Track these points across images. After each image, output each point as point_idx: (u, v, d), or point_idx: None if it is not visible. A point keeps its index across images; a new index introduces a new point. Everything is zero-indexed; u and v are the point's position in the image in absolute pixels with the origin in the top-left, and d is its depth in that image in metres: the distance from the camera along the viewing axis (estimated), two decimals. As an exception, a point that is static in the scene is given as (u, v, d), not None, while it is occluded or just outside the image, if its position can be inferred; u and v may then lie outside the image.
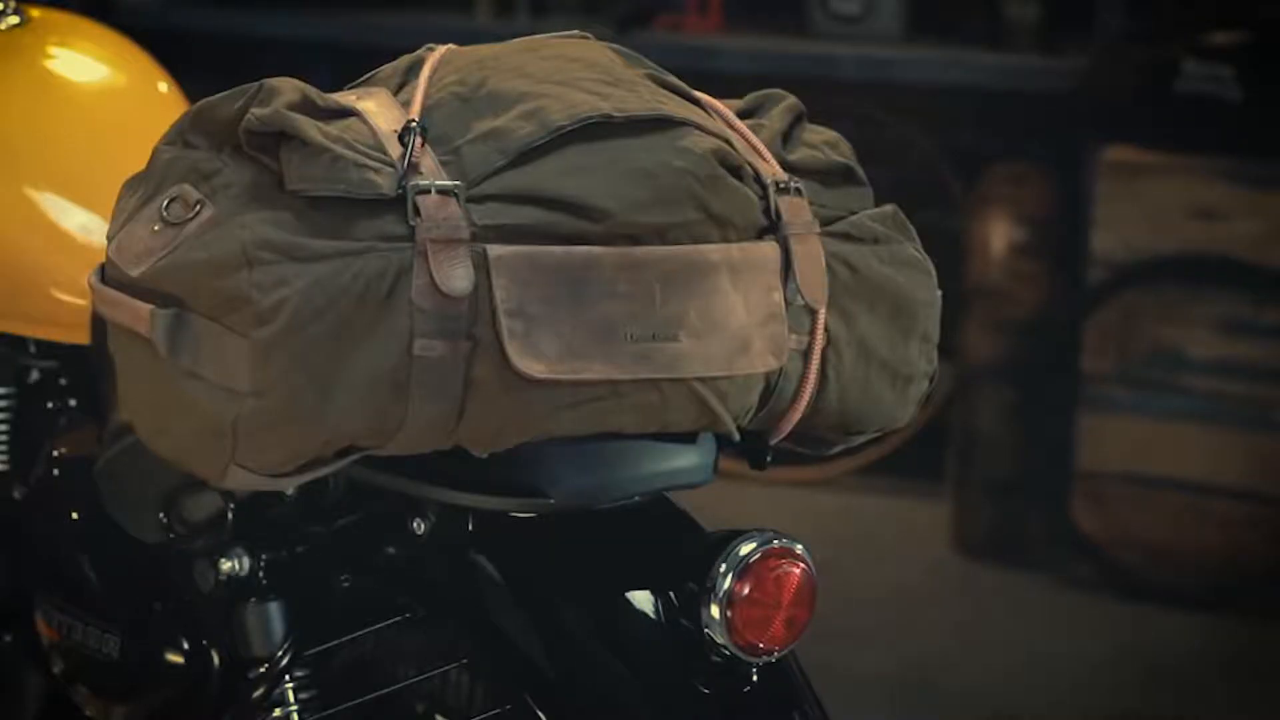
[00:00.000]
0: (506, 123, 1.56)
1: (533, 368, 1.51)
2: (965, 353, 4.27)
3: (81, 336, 2.06)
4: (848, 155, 1.72)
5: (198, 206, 1.55)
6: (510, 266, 1.52)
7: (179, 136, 1.62)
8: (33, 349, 2.17)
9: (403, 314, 1.50)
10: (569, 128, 1.56)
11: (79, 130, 2.17)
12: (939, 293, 1.72)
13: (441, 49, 1.67)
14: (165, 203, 1.57)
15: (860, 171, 1.71)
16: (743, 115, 1.71)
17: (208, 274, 1.51)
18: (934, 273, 1.72)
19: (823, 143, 1.71)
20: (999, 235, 4.21)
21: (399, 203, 1.52)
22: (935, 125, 4.62)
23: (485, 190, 1.54)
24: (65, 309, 2.07)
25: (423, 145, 1.55)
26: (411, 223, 1.51)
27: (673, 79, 1.70)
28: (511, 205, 1.54)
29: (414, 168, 1.53)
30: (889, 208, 1.71)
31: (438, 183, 1.52)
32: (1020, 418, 4.22)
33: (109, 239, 1.62)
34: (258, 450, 1.54)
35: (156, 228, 1.56)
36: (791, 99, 1.74)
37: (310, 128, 1.53)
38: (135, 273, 1.56)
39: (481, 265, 1.51)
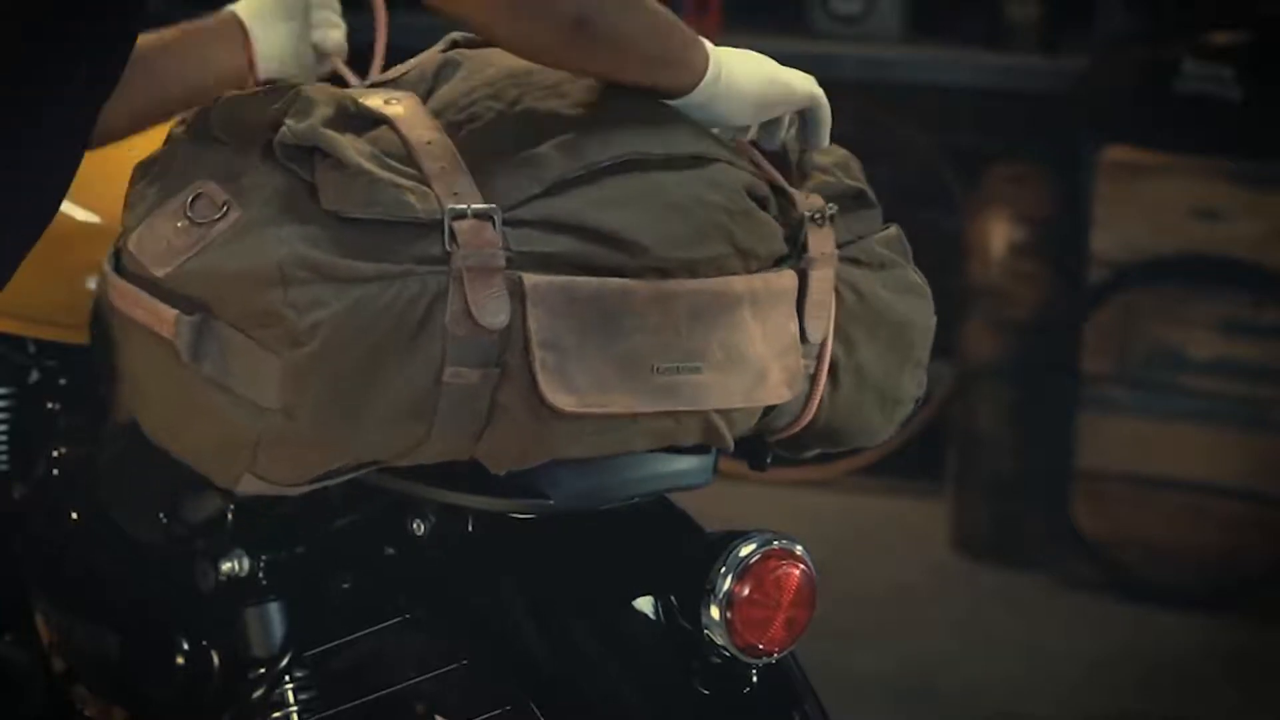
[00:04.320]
0: (543, 151, 1.54)
1: (563, 401, 1.51)
2: (965, 353, 4.27)
3: (81, 336, 2.05)
4: (858, 177, 1.71)
5: (225, 207, 1.53)
6: (546, 297, 1.50)
7: (204, 128, 1.60)
8: (33, 349, 2.16)
9: (436, 340, 1.48)
10: (604, 164, 1.55)
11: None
12: (934, 318, 1.73)
13: (471, 53, 1.65)
14: (190, 199, 1.54)
15: (870, 194, 1.71)
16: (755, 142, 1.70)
17: (241, 286, 1.49)
18: (931, 297, 1.72)
19: (834, 165, 1.71)
20: (999, 235, 4.21)
21: (435, 224, 1.50)
22: (935, 125, 4.62)
23: (520, 215, 1.52)
24: (65, 309, 2.06)
25: (456, 162, 1.53)
26: (448, 248, 1.49)
27: None
28: (547, 233, 1.52)
29: (449, 189, 1.51)
30: (893, 230, 1.71)
31: (474, 206, 1.50)
32: (1020, 418, 4.22)
33: (126, 228, 1.60)
34: (277, 464, 1.53)
35: (180, 224, 1.54)
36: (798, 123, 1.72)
37: (347, 148, 1.51)
38: (160, 272, 1.54)
39: (516, 293, 1.50)
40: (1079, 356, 4.09)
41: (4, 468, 2.16)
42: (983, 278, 4.22)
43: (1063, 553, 4.11)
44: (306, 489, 1.58)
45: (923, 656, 3.74)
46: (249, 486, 1.57)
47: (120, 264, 1.61)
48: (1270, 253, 3.94)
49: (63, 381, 2.17)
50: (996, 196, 4.26)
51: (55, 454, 2.12)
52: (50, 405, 2.16)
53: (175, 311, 1.52)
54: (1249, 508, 3.97)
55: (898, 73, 4.57)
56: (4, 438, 2.17)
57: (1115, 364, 4.06)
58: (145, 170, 1.63)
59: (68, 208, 2.11)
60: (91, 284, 2.01)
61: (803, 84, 1.65)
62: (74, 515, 2.09)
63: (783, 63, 1.65)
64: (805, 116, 1.67)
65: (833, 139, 1.73)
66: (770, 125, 1.68)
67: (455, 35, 1.70)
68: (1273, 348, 3.96)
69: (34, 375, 2.17)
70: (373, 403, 1.49)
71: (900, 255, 1.70)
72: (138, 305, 1.57)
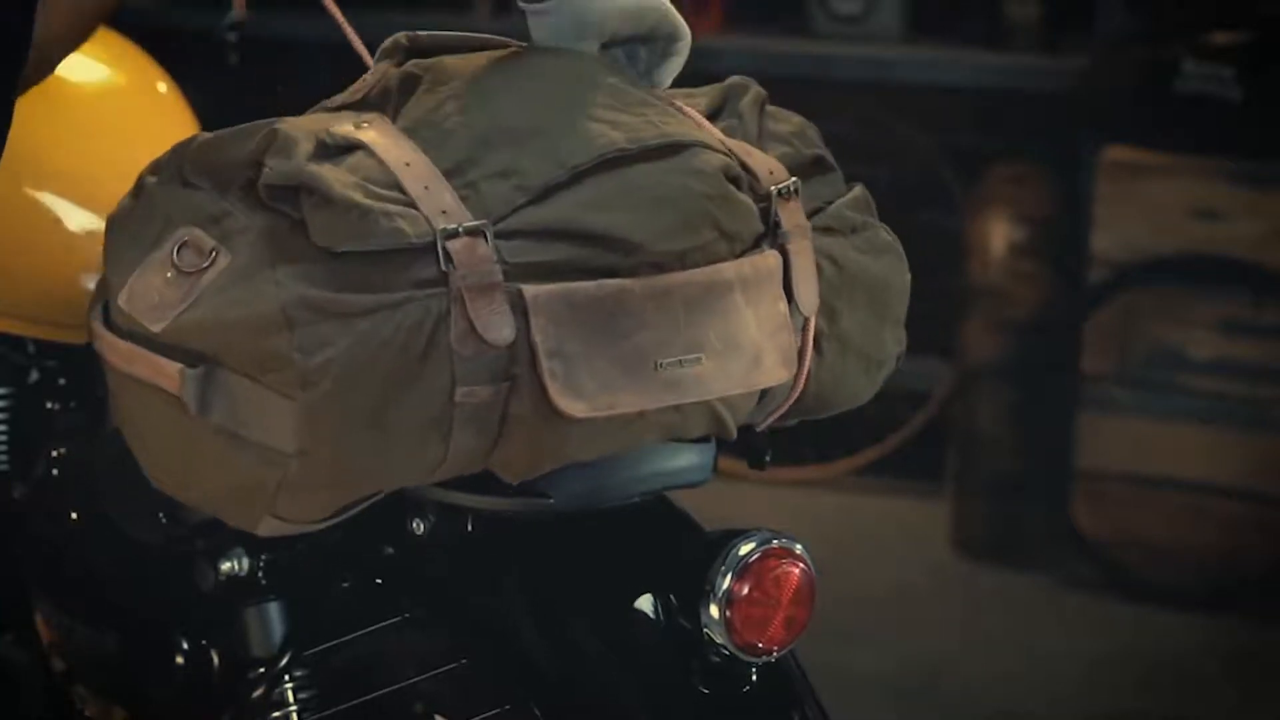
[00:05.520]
0: (523, 159, 1.53)
1: (574, 407, 1.50)
2: (965, 353, 4.27)
3: (81, 336, 2.05)
4: (816, 143, 1.71)
5: (213, 254, 1.51)
6: (547, 306, 1.50)
7: (175, 174, 1.57)
8: (32, 349, 2.16)
9: (444, 362, 1.47)
10: (587, 166, 1.54)
11: (79, 130, 2.16)
12: (909, 275, 1.73)
13: (429, 63, 1.63)
14: (175, 248, 1.52)
15: (829, 156, 1.71)
16: (712, 113, 1.70)
17: (244, 334, 1.48)
18: (904, 255, 1.72)
19: (791, 134, 1.70)
20: (999, 235, 4.21)
21: (428, 247, 1.48)
22: (935, 125, 4.62)
23: (510, 226, 1.51)
24: (65, 309, 2.06)
25: (439, 181, 1.52)
26: (444, 269, 1.48)
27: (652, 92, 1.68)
28: (539, 242, 1.52)
29: (436, 208, 1.50)
30: (858, 190, 1.71)
31: (465, 224, 1.49)
32: (1020, 418, 4.22)
33: (110, 283, 1.58)
34: (299, 504, 1.53)
35: (169, 275, 1.52)
36: (755, 89, 1.72)
37: (333, 182, 1.49)
38: (156, 328, 1.51)
39: (519, 306, 1.49)
40: (1079, 356, 4.09)
41: (4, 468, 2.16)
42: (983, 278, 4.22)
43: (1063, 553, 4.11)
44: (329, 523, 1.58)
45: (923, 656, 3.74)
46: (268, 528, 1.55)
47: (110, 319, 1.59)
48: (1270, 253, 3.94)
49: (62, 381, 2.17)
50: (996, 196, 4.26)
51: (55, 454, 2.13)
52: (50, 405, 2.16)
53: (179, 366, 1.51)
54: (1249, 508, 3.97)
55: (898, 73, 4.58)
56: (4, 438, 2.17)
57: (1115, 364, 4.06)
58: (122, 223, 1.60)
59: (68, 208, 2.12)
60: (91, 284, 2.01)
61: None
62: (74, 515, 2.09)
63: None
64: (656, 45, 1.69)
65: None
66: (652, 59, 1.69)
67: (400, 38, 1.67)
68: (1273, 348, 3.96)
69: (34, 375, 2.17)
70: (389, 433, 1.48)
71: (869, 215, 1.70)
72: (135, 362, 1.55)
